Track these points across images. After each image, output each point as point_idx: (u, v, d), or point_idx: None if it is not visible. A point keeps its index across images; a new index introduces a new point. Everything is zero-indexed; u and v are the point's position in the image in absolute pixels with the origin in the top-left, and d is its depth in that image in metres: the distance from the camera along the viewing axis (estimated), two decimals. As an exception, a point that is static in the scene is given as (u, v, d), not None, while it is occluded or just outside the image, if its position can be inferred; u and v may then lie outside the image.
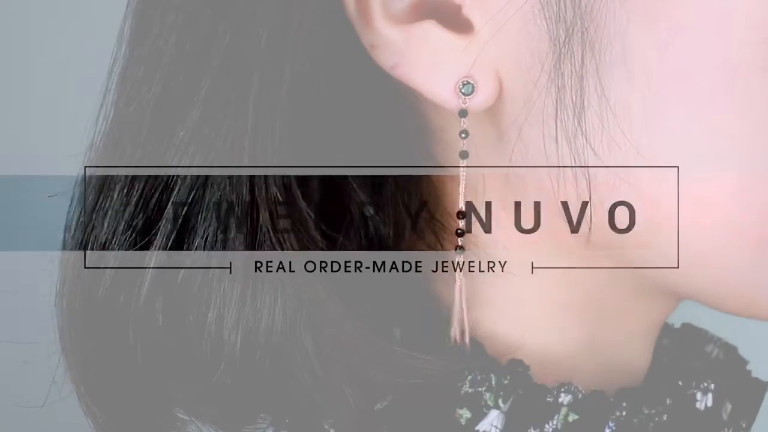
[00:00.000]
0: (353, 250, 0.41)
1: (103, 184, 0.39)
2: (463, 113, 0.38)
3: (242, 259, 0.38)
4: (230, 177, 0.37)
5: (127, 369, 0.40)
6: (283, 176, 0.37)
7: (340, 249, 0.41)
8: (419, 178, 0.41)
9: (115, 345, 0.39)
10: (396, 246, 0.41)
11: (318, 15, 0.37)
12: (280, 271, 0.38)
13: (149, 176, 0.38)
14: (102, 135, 0.40)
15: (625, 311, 0.43)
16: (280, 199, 0.37)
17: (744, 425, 0.44)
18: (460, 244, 0.40)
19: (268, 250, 0.37)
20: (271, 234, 0.37)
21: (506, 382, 0.40)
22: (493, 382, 0.40)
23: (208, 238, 0.38)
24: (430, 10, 0.38)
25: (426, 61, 0.37)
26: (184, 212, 0.38)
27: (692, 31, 0.35)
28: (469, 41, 0.37)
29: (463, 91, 0.37)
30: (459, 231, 0.40)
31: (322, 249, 0.39)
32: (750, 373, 0.47)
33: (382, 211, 0.41)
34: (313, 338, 0.38)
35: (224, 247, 0.38)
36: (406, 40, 0.37)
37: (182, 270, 0.38)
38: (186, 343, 0.39)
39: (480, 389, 0.40)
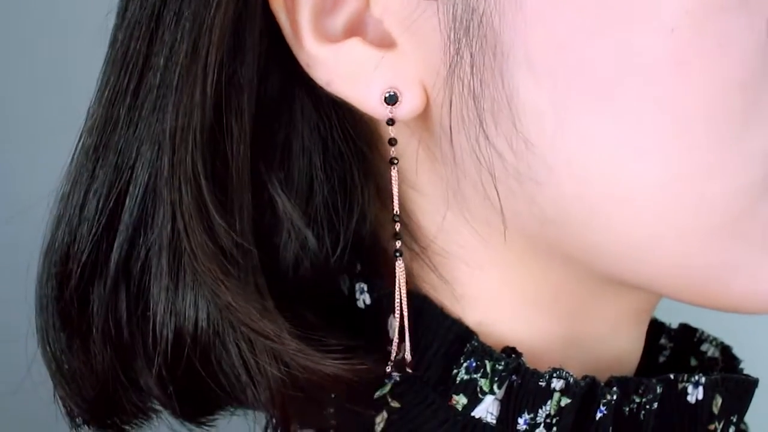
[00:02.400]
0: (291, 257, 0.43)
1: (68, 196, 0.43)
2: (390, 122, 0.40)
3: (166, 264, 0.41)
4: (162, 189, 0.40)
5: (100, 365, 0.43)
6: (195, 189, 0.40)
7: (281, 261, 0.43)
8: (357, 182, 0.44)
9: (89, 342, 0.43)
10: (333, 248, 0.44)
11: (233, 40, 0.39)
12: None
13: (103, 190, 0.42)
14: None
15: (600, 301, 0.44)
16: (192, 211, 0.40)
17: (734, 420, 0.45)
18: (398, 247, 0.42)
19: (186, 256, 0.40)
20: (186, 242, 0.40)
21: (500, 368, 0.41)
22: (488, 369, 0.41)
23: (153, 244, 0.41)
24: (362, 30, 0.40)
25: (353, 76, 0.40)
26: (135, 221, 0.41)
27: (590, 29, 0.36)
28: (394, 56, 0.40)
29: (387, 101, 0.40)
30: (396, 235, 0.42)
31: (236, 258, 0.41)
32: (742, 371, 0.48)
33: (315, 221, 0.43)
34: (238, 339, 0.41)
35: (159, 251, 0.41)
36: (335, 58, 0.40)
37: (135, 271, 0.42)
38: (145, 339, 0.42)
39: (475, 376, 0.41)
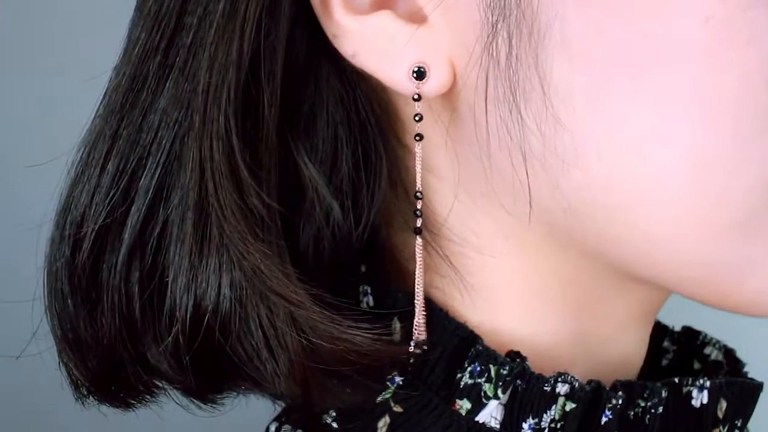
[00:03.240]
0: (313, 230, 0.43)
1: (86, 160, 0.42)
2: (417, 97, 0.40)
3: (191, 228, 0.40)
4: (188, 149, 0.39)
5: (107, 335, 0.42)
6: (227, 148, 0.39)
7: (301, 232, 0.43)
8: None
9: (97, 311, 0.42)
10: (356, 223, 0.43)
11: (269, 3, 0.39)
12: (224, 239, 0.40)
13: (125, 151, 0.41)
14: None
15: (609, 299, 0.44)
16: (222, 169, 0.39)
17: (739, 424, 0.45)
18: (418, 225, 0.42)
19: (213, 218, 0.39)
20: (215, 202, 0.39)
21: (504, 372, 0.41)
22: (492, 373, 0.41)
23: (174, 209, 0.40)
24: (387, 2, 0.40)
25: (381, 50, 0.40)
26: (156, 184, 0.40)
27: (629, 13, 0.36)
28: (425, 30, 0.39)
29: (415, 76, 0.39)
30: (417, 212, 0.42)
31: (266, 221, 0.40)
32: (746, 374, 0.48)
33: (339, 192, 0.43)
34: (263, 308, 0.40)
35: (183, 216, 0.40)
36: (363, 30, 0.40)
37: (153, 237, 0.41)
38: (158, 312, 0.41)
39: (479, 380, 0.41)
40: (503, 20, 0.37)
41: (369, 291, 0.44)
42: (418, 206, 0.42)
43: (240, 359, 0.41)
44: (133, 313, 0.41)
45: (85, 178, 0.41)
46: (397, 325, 0.43)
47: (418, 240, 0.42)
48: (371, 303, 0.44)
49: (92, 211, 0.41)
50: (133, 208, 0.40)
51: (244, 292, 0.40)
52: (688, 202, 0.38)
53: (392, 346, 0.41)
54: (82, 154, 0.42)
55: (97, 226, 0.41)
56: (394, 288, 0.43)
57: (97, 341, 0.42)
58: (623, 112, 0.37)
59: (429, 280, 0.43)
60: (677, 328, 0.52)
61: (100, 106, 0.42)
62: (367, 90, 0.43)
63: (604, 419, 0.41)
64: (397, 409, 0.42)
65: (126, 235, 0.41)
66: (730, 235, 0.38)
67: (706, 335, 0.51)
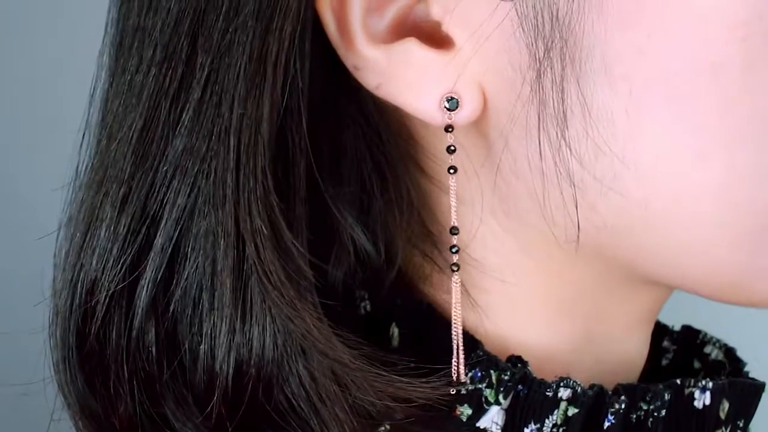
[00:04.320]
0: (343, 274, 0.42)
1: (90, 222, 0.39)
2: (449, 128, 0.39)
3: (230, 291, 0.38)
4: (215, 210, 0.37)
5: (123, 402, 0.40)
6: (267, 208, 0.38)
7: (329, 277, 0.41)
8: (412, 193, 0.42)
9: (111, 379, 0.40)
10: (389, 264, 0.42)
11: (297, 42, 0.37)
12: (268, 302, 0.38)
13: (135, 212, 0.38)
14: (84, 170, 0.41)
15: (617, 303, 0.44)
16: (265, 231, 0.38)
17: (741, 425, 0.45)
18: (455, 261, 0.41)
19: (255, 282, 0.38)
20: (257, 266, 0.38)
21: (506, 378, 0.40)
22: (494, 379, 0.40)
23: (197, 271, 0.38)
24: (409, 29, 0.39)
25: (409, 80, 0.38)
26: (171, 246, 0.38)
27: (670, 35, 0.36)
28: (451, 57, 0.38)
29: (447, 106, 0.38)
30: (453, 248, 0.41)
31: (308, 279, 0.39)
32: (747, 374, 0.48)
33: (371, 231, 0.42)
34: (306, 367, 0.38)
35: (212, 280, 0.38)
36: (388, 60, 0.38)
37: (173, 302, 0.39)
38: (181, 375, 0.39)
39: (480, 386, 0.41)
40: (541, 45, 0.36)
41: (366, 297, 0.43)
42: (454, 241, 0.40)
43: (284, 421, 0.39)
44: (155, 381, 0.39)
45: (94, 241, 0.39)
46: (395, 331, 0.43)
47: (455, 277, 0.40)
48: (368, 309, 0.43)
49: (104, 277, 0.39)
50: (147, 272, 0.38)
51: (290, 356, 0.38)
52: (721, 214, 0.38)
53: (435, 390, 0.40)
54: (86, 211, 0.39)
55: (110, 292, 0.39)
56: (393, 295, 0.43)
57: (110, 412, 0.40)
58: (663, 134, 0.37)
59: (437, 293, 0.43)
60: (676, 327, 0.51)
61: (95, 153, 0.39)
62: (386, 120, 0.41)
63: (606, 424, 0.41)
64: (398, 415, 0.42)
65: (142, 301, 0.38)
66: (758, 240, 0.39)
67: (706, 334, 0.50)
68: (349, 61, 0.39)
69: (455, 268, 0.41)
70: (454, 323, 0.41)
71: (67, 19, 0.84)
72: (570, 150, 0.37)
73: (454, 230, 0.40)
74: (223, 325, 0.38)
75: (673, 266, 0.40)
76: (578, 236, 0.39)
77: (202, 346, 0.38)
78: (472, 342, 0.42)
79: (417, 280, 0.43)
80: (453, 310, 0.41)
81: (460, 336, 0.41)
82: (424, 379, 0.39)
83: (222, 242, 0.37)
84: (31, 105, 0.87)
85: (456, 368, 0.40)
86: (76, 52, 0.82)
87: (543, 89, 0.37)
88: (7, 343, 0.47)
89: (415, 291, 0.43)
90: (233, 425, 0.38)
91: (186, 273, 0.38)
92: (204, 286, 0.38)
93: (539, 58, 0.37)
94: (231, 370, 0.38)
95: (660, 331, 0.51)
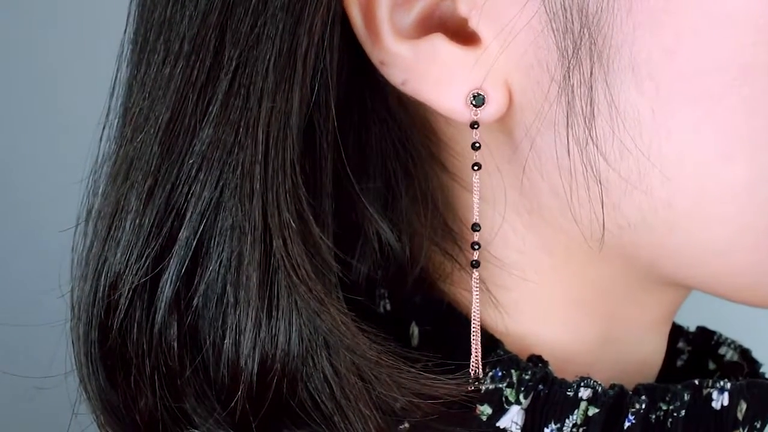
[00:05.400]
0: (368, 269, 0.42)
1: (115, 214, 0.39)
2: (474, 125, 0.39)
3: (257, 285, 0.38)
4: (242, 203, 0.37)
5: (145, 397, 0.40)
6: (295, 202, 0.37)
7: (354, 271, 0.41)
8: (434, 190, 0.42)
9: (133, 374, 0.39)
10: (413, 260, 0.42)
11: (327, 36, 0.37)
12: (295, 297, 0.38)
13: (161, 204, 0.38)
14: (107, 163, 0.41)
15: (638, 304, 0.44)
16: (293, 225, 0.37)
17: (759, 426, 0.45)
18: (476, 258, 0.41)
19: (282, 276, 0.38)
20: (285, 260, 0.37)
21: (527, 377, 0.40)
22: (514, 378, 0.40)
23: (222, 265, 0.38)
24: (435, 24, 0.38)
25: (436, 76, 0.38)
26: (196, 240, 0.38)
27: (698, 35, 0.36)
28: (478, 54, 0.38)
29: (473, 103, 0.38)
30: (475, 244, 0.41)
31: (335, 274, 0.39)
32: (764, 375, 0.48)
33: (396, 227, 0.42)
34: (330, 362, 0.38)
35: (238, 274, 0.38)
36: (415, 56, 0.38)
37: (197, 296, 0.38)
38: (203, 371, 0.39)
39: (501, 385, 0.41)
40: (572, 44, 0.36)
41: (386, 295, 0.43)
42: (476, 238, 0.40)
43: (308, 416, 0.39)
44: (176, 377, 0.39)
45: (119, 233, 0.39)
46: (414, 330, 0.43)
47: (476, 274, 0.40)
48: (388, 307, 0.43)
49: (128, 270, 0.38)
50: (171, 265, 0.38)
51: (315, 350, 0.38)
52: (744, 215, 0.38)
53: (456, 386, 0.39)
54: (110, 203, 0.39)
55: (134, 286, 0.38)
56: (412, 292, 0.43)
57: (132, 406, 0.40)
58: (689, 134, 0.37)
59: (458, 292, 0.43)
60: (692, 328, 0.51)
61: (119, 145, 0.39)
62: (409, 116, 0.41)
63: (627, 424, 0.41)
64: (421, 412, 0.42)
65: (165, 295, 0.38)
66: None
67: (720, 335, 0.50)
68: (375, 57, 0.38)
69: (476, 265, 0.40)
70: (474, 320, 0.41)
71: (67, 18, 0.84)
72: (596, 148, 0.37)
73: (476, 227, 0.40)
74: (249, 319, 0.38)
75: (693, 266, 0.40)
76: (603, 235, 0.39)
77: (226, 341, 0.38)
78: (492, 341, 0.42)
79: (437, 278, 0.43)
80: (473, 307, 0.41)
81: (479, 333, 0.41)
82: (450, 376, 0.39)
83: (249, 236, 0.37)
84: (43, 100, 0.87)
85: (475, 365, 0.40)
86: (76, 52, 0.83)
87: (570, 87, 0.37)
88: (24, 337, 0.47)
89: (434, 289, 0.43)
90: (257, 421, 0.38)
91: (210, 267, 0.38)
92: (229, 281, 0.38)
93: (568, 57, 0.37)
94: (256, 366, 0.38)
95: (675, 332, 0.51)
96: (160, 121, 0.38)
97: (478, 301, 0.41)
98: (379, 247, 0.41)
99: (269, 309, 0.38)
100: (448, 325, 0.42)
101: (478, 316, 0.41)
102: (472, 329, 0.41)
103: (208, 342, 0.38)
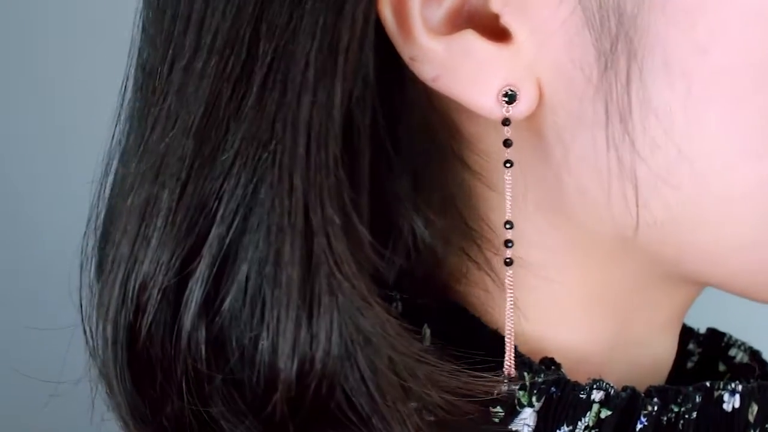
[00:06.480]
0: (401, 262, 0.41)
1: (145, 213, 0.38)
2: (506, 122, 0.38)
3: (298, 284, 0.37)
4: (281, 199, 0.37)
5: (172, 402, 0.39)
6: (339, 198, 0.37)
7: (388, 263, 0.41)
8: (463, 188, 0.42)
9: (159, 378, 0.39)
10: (445, 256, 0.42)
11: (366, 30, 0.37)
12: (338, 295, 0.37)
13: (193, 201, 0.38)
14: (131, 161, 0.40)
15: (652, 303, 0.44)
16: (337, 221, 0.37)
17: (770, 427, 0.45)
18: (509, 255, 0.40)
19: (324, 274, 0.37)
20: (328, 258, 0.37)
21: (539, 380, 0.40)
22: (527, 381, 0.41)
23: (257, 264, 0.37)
24: (465, 20, 0.38)
25: (468, 72, 0.38)
26: (229, 238, 0.37)
27: (730, 33, 0.36)
28: (511, 51, 0.38)
29: (506, 100, 0.38)
30: (508, 242, 0.40)
31: (377, 270, 0.38)
32: (774, 376, 0.48)
33: (431, 225, 0.41)
34: (369, 361, 0.37)
35: (275, 272, 0.37)
36: (448, 52, 0.38)
37: (228, 297, 0.38)
38: (233, 375, 0.38)
39: (513, 387, 0.41)
40: (608, 42, 0.36)
41: (398, 297, 0.43)
42: (509, 236, 0.40)
43: (347, 418, 0.38)
44: (204, 381, 0.38)
45: (150, 231, 0.38)
46: (427, 331, 0.43)
47: (509, 272, 0.40)
48: (400, 309, 0.43)
49: (159, 271, 0.37)
50: (201, 265, 0.37)
51: (355, 349, 0.37)
52: None
53: (492, 385, 0.39)
54: (139, 202, 0.38)
55: (163, 287, 0.37)
56: (424, 293, 0.43)
57: (158, 411, 0.39)
58: (720, 132, 0.37)
59: (473, 291, 0.43)
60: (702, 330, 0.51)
61: (144, 143, 0.38)
62: (437, 113, 0.41)
63: (639, 426, 0.41)
64: (429, 416, 0.42)
65: (195, 296, 0.37)
66: None
67: (731, 337, 0.51)
68: (405, 53, 0.38)
69: (509, 263, 0.40)
70: (508, 319, 0.40)
71: (69, 18, 0.84)
72: (631, 146, 0.37)
73: (507, 224, 0.40)
74: (288, 320, 0.37)
75: (716, 263, 0.40)
76: (636, 231, 0.39)
77: (262, 343, 0.37)
78: (503, 343, 0.42)
79: (450, 278, 0.43)
80: (507, 306, 0.40)
81: (512, 334, 0.40)
82: (492, 373, 0.39)
83: (288, 233, 0.36)
84: (43, 101, 0.87)
85: (508, 365, 0.40)
86: (76, 52, 0.83)
87: (604, 85, 0.37)
88: (46, 341, 0.47)
89: (448, 290, 0.43)
90: (294, 425, 0.37)
91: (243, 267, 0.37)
92: (265, 280, 0.37)
93: (605, 56, 0.37)
94: (295, 367, 0.37)
95: (685, 333, 0.51)
96: (193, 116, 0.37)
97: (512, 300, 0.40)
98: (414, 244, 0.41)
99: (310, 308, 0.37)
100: (460, 326, 0.42)
101: (512, 317, 0.40)
102: (507, 330, 0.40)
103: (239, 344, 0.38)
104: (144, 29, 0.41)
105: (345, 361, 0.37)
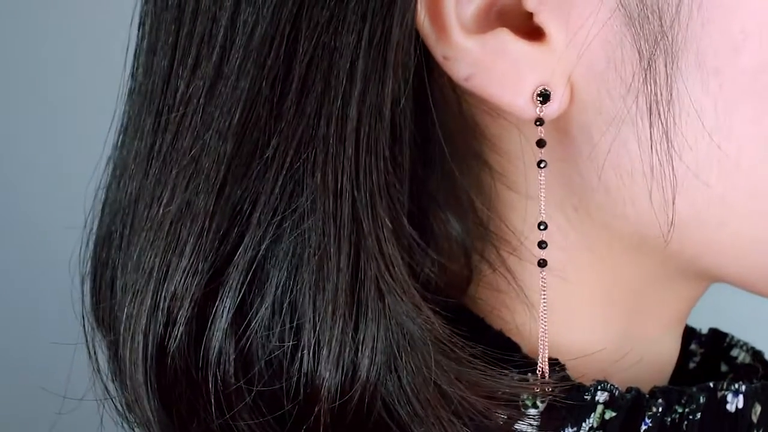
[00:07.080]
0: (437, 258, 0.41)
1: (179, 219, 0.37)
2: (538, 121, 0.38)
3: (345, 291, 0.35)
4: (325, 202, 0.35)
5: (202, 416, 0.37)
6: (389, 201, 0.36)
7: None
8: (483, 189, 0.42)
9: (187, 393, 0.38)
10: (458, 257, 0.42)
11: (413, 27, 0.36)
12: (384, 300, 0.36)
13: (230, 205, 0.36)
14: (152, 165, 0.38)
15: (659, 301, 0.44)
16: (389, 225, 0.36)
17: (773, 428, 0.45)
18: (543, 257, 0.40)
19: (372, 279, 0.36)
20: (378, 262, 0.36)
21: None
22: (531, 382, 0.41)
23: (294, 271, 0.36)
24: (495, 18, 0.38)
25: (502, 71, 0.37)
26: (264, 244, 0.36)
27: (763, 31, 0.36)
28: (546, 50, 0.37)
29: (540, 99, 0.37)
30: (543, 244, 0.40)
31: (425, 273, 0.38)
32: (777, 376, 0.48)
33: (462, 224, 0.41)
34: (410, 368, 0.37)
35: (318, 280, 0.35)
36: (482, 51, 0.37)
37: (263, 308, 0.36)
38: (267, 385, 0.37)
39: (547, 389, 0.40)
40: (638, 40, 0.36)
41: None
42: (542, 237, 0.39)
43: (385, 426, 0.36)
44: (232, 395, 0.36)
45: (182, 240, 0.36)
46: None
47: (543, 273, 0.39)
48: None
49: (192, 281, 0.36)
50: (234, 273, 0.36)
51: (402, 356, 0.36)
52: None
53: (518, 385, 0.39)
54: (172, 212, 0.36)
55: (196, 297, 0.36)
56: (435, 293, 0.43)
57: (185, 427, 0.37)
58: (749, 129, 0.37)
59: (484, 291, 0.43)
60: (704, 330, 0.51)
61: (169, 149, 0.36)
62: (464, 114, 0.41)
63: (643, 427, 0.41)
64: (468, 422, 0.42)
65: (226, 306, 0.36)
66: None
67: (733, 337, 0.50)
68: (438, 52, 0.37)
69: (543, 264, 0.39)
70: (542, 320, 0.40)
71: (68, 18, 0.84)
72: (658, 145, 0.37)
73: (542, 225, 0.39)
74: (335, 328, 0.35)
75: (737, 258, 0.40)
76: (661, 230, 0.39)
77: (302, 353, 0.36)
78: (509, 344, 0.41)
79: (456, 278, 0.43)
80: (540, 307, 0.40)
81: (546, 332, 0.40)
82: (515, 372, 0.39)
83: (332, 237, 0.35)
84: (43, 100, 0.87)
85: (541, 366, 0.40)
86: (77, 52, 0.83)
87: (641, 84, 0.37)
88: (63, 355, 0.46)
89: (452, 289, 0.43)
90: None
91: (278, 274, 0.36)
92: (305, 287, 0.36)
93: (646, 56, 0.36)
94: (340, 376, 0.35)
95: (688, 334, 0.51)
96: (232, 117, 0.36)
97: (545, 302, 0.40)
98: (449, 244, 0.41)
99: (357, 315, 0.36)
100: (467, 326, 0.42)
101: (546, 318, 0.40)
102: (541, 331, 0.40)
103: (271, 356, 0.36)
104: (144, 29, 0.40)
105: (389, 368, 0.36)
